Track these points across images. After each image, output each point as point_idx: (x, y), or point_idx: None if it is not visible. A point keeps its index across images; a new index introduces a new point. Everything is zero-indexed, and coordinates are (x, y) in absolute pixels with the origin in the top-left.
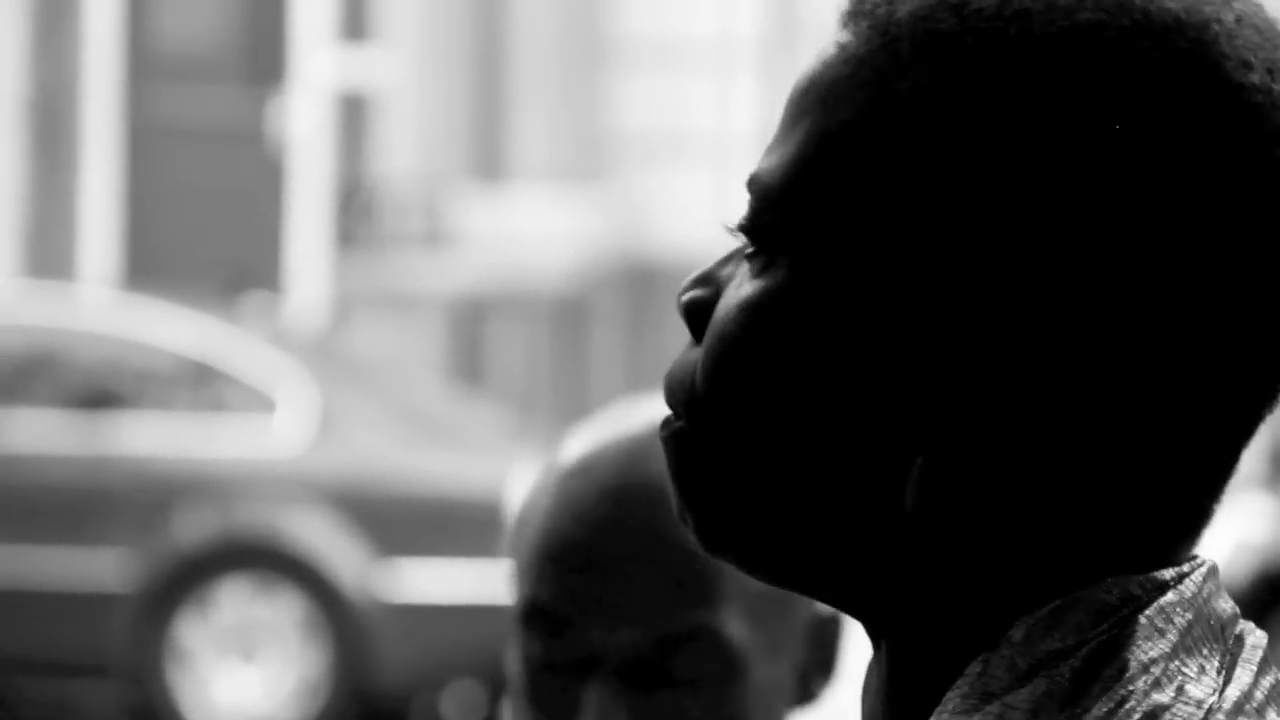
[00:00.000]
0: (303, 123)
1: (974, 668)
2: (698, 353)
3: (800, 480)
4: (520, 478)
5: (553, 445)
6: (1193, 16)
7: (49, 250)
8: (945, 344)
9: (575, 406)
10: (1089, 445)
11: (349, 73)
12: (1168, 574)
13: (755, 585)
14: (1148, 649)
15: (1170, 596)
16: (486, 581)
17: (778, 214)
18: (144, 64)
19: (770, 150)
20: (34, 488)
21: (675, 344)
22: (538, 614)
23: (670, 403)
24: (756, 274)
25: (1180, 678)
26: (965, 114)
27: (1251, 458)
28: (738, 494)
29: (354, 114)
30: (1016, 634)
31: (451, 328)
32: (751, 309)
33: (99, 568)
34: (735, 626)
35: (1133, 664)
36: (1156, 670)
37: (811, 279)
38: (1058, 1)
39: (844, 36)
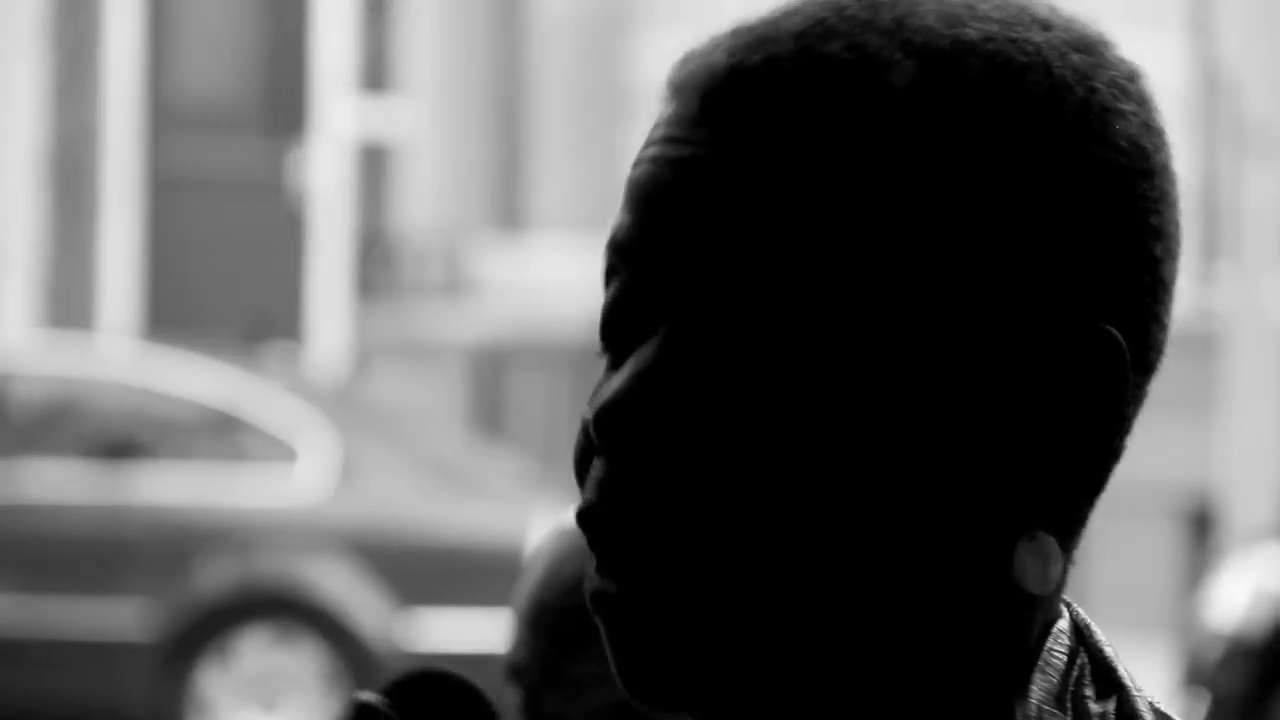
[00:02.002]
0: (323, 173)
1: None
2: None
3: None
4: (541, 527)
5: (572, 496)
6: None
7: (69, 300)
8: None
9: None
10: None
11: (369, 123)
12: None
13: None
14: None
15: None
16: (507, 631)
17: None
18: (164, 115)
19: None
20: (54, 537)
21: None
22: (513, 672)
23: None
24: None
25: None
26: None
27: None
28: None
29: (374, 164)
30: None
31: (472, 377)
32: None
33: (119, 617)
34: None
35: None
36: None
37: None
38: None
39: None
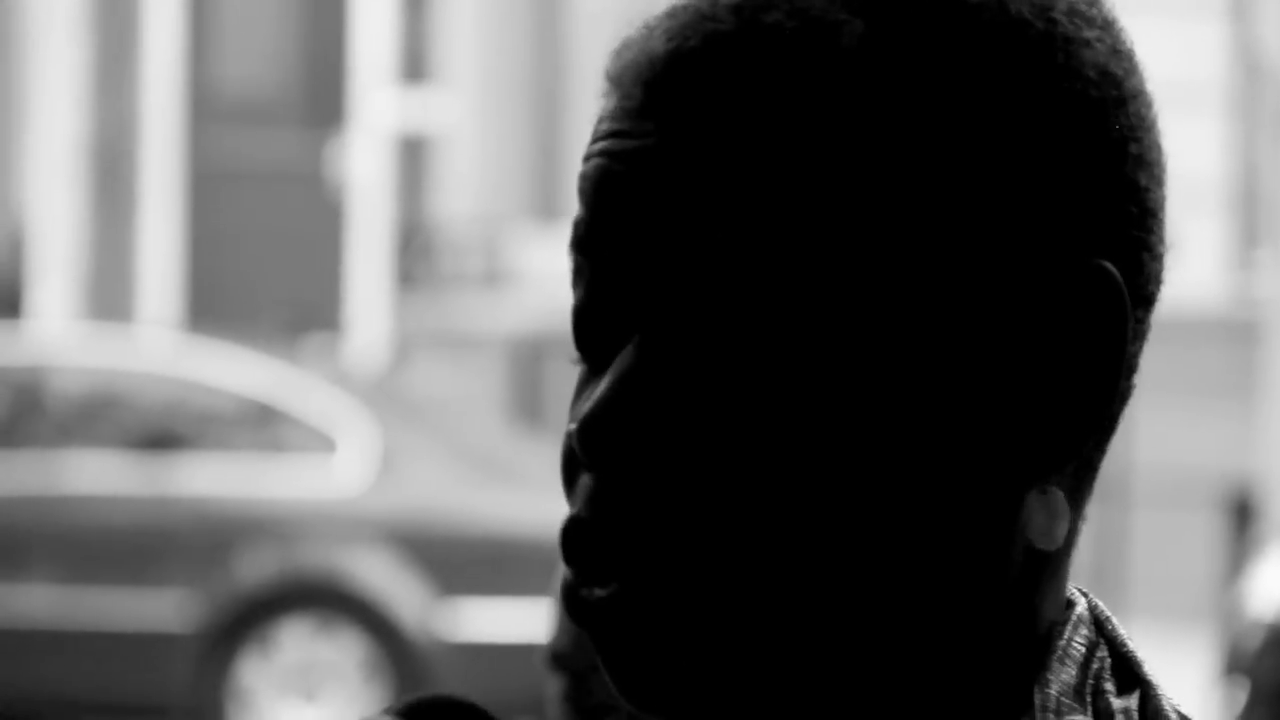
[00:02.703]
0: (362, 164)
1: None
2: None
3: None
4: None
5: None
6: None
7: (110, 292)
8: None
9: None
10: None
11: (408, 114)
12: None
13: None
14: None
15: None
16: (548, 620)
17: None
18: (204, 107)
19: None
20: (95, 529)
21: None
22: (556, 660)
23: None
24: None
25: None
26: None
27: None
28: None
29: (413, 155)
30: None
31: (511, 367)
32: None
33: (160, 608)
34: None
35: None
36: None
37: None
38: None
39: None
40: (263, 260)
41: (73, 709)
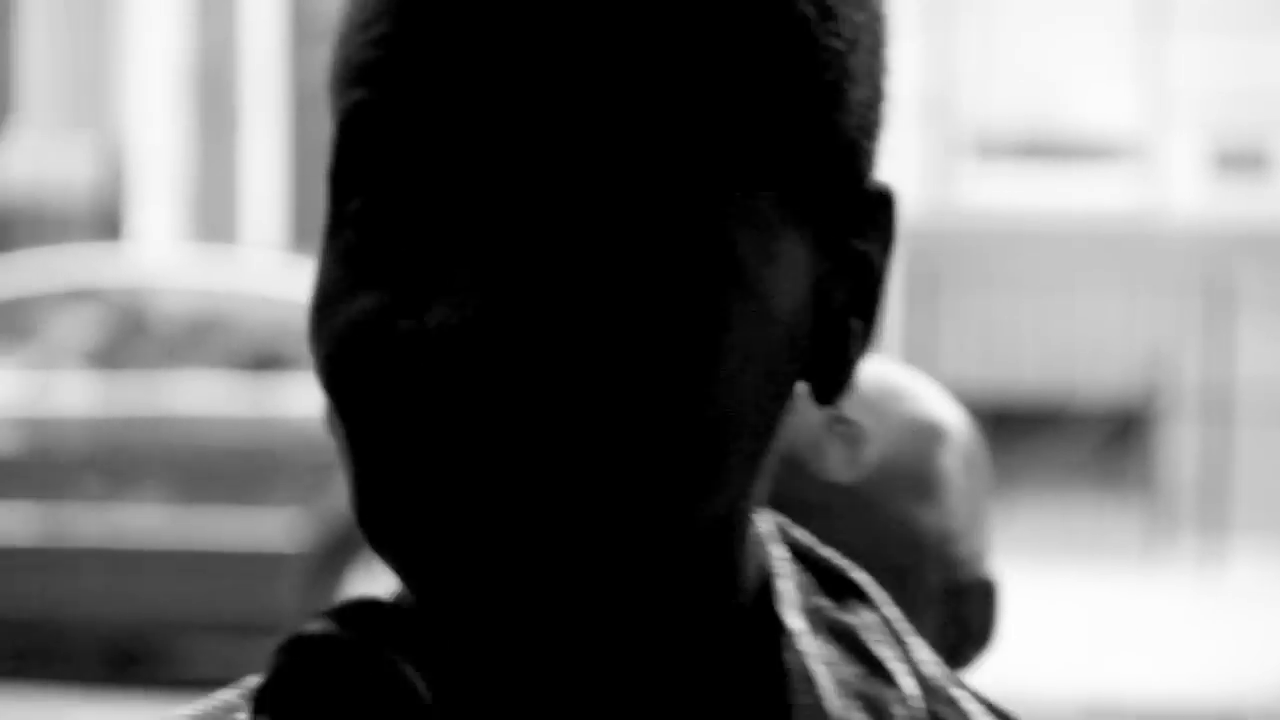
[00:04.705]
0: None
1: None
2: None
3: None
4: None
5: None
6: None
7: (215, 214)
8: None
9: None
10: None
11: None
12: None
13: None
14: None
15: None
16: None
17: None
18: (306, 27)
19: None
20: (204, 449)
21: None
22: None
23: None
24: None
25: None
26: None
27: None
28: None
29: None
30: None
31: None
32: None
33: (269, 528)
34: None
35: None
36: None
37: None
38: None
39: None
40: None
41: (181, 628)
